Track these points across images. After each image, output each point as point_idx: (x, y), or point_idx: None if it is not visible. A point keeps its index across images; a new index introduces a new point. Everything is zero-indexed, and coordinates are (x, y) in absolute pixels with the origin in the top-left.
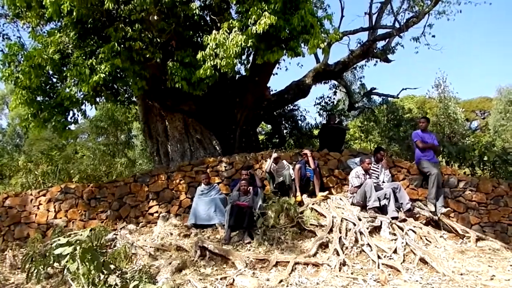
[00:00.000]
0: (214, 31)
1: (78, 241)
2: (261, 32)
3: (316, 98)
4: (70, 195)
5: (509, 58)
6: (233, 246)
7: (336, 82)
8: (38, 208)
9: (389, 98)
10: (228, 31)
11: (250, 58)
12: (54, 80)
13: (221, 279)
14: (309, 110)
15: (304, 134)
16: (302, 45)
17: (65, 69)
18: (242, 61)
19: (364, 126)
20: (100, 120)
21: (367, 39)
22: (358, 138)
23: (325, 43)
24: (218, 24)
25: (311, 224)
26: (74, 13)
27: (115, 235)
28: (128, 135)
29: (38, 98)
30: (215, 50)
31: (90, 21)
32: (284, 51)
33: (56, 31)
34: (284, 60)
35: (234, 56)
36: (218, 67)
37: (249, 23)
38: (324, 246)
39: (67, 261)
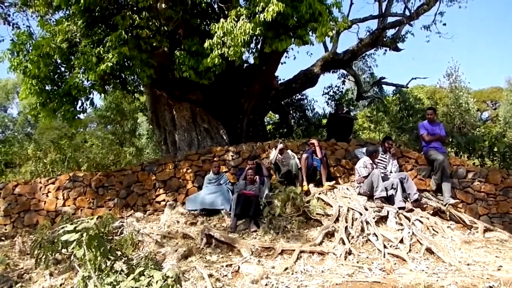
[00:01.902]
0: (221, 19)
1: (84, 228)
2: (269, 20)
3: (325, 87)
4: (78, 183)
5: None
6: (239, 235)
7: (345, 71)
8: (47, 195)
9: (401, 88)
10: (236, 19)
11: (258, 47)
12: (62, 69)
13: (226, 266)
14: (317, 100)
15: (312, 123)
16: (310, 33)
17: (73, 58)
18: (251, 50)
19: (373, 116)
20: (106, 110)
21: (376, 27)
22: (367, 128)
23: (334, 31)
24: (226, 12)
25: (317, 214)
26: (82, 1)
27: (122, 223)
28: (134, 124)
29: (47, 87)
30: (223, 39)
31: (98, 9)
32: (292, 39)
33: (64, 20)
34: (292, 49)
35: (242, 45)
36: (226, 55)
37: (256, 10)
38: (330, 235)
39: (73, 248)
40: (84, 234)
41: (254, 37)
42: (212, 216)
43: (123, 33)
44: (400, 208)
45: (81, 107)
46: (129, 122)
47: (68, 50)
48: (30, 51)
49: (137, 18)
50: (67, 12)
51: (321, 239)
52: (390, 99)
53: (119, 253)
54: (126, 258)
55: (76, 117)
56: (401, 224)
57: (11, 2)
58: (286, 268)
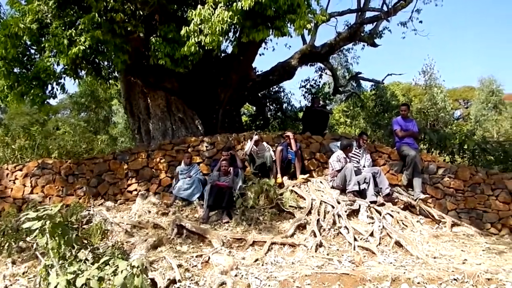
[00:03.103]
0: (199, 6)
1: (47, 216)
2: (247, 8)
3: (302, 80)
4: (47, 171)
5: (492, 49)
6: (211, 226)
7: (322, 65)
8: (14, 182)
9: (380, 84)
10: (214, 7)
11: (237, 36)
12: (32, 51)
13: (196, 256)
14: (294, 93)
15: (288, 116)
16: (289, 25)
17: (43, 39)
18: (229, 39)
19: (350, 111)
20: (80, 96)
21: (354, 22)
22: (343, 123)
23: (312, 24)
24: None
25: (290, 206)
26: None
27: (91, 212)
28: (109, 112)
29: (15, 70)
30: (200, 26)
31: None
32: (270, 30)
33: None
34: (271, 40)
35: (220, 33)
36: (203, 44)
37: None
38: (302, 227)
39: (36, 236)
40: (47, 222)
41: (232, 26)
42: (188, 204)
43: (97, 15)
44: (371, 202)
45: (51, 92)
46: (104, 109)
47: (39, 31)
48: None
49: (112, 1)
50: None
51: (292, 231)
52: (367, 94)
53: (84, 242)
54: (92, 247)
55: (46, 102)
56: (372, 218)
57: None
58: (257, 259)
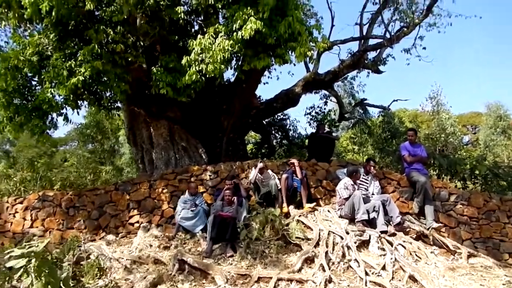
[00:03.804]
0: (199, 36)
1: (32, 253)
2: (247, 37)
3: (307, 108)
4: (48, 203)
5: (498, 74)
6: (215, 260)
7: (327, 92)
8: (14, 216)
9: (387, 110)
10: (214, 36)
11: (240, 64)
12: (34, 83)
13: None
14: (299, 120)
15: (294, 144)
16: (290, 52)
17: (43, 71)
18: (232, 67)
19: (357, 138)
20: (86, 127)
21: (357, 50)
22: (351, 150)
23: (314, 52)
24: (205, 29)
25: (296, 237)
26: (54, 14)
27: (89, 247)
28: (116, 143)
29: (15, 101)
30: (201, 55)
31: (71, 23)
32: (272, 58)
33: (36, 33)
34: (275, 69)
35: (221, 62)
36: (204, 72)
37: (234, 28)
38: (309, 261)
39: (21, 275)
40: (33, 260)
41: (234, 55)
42: (189, 239)
43: (97, 47)
44: (382, 232)
45: (51, 122)
46: (110, 140)
47: (39, 63)
48: None
49: (112, 32)
50: (40, 25)
51: (300, 265)
52: (374, 120)
53: (74, 282)
54: None
55: (45, 132)
56: (384, 249)
57: None
58: None
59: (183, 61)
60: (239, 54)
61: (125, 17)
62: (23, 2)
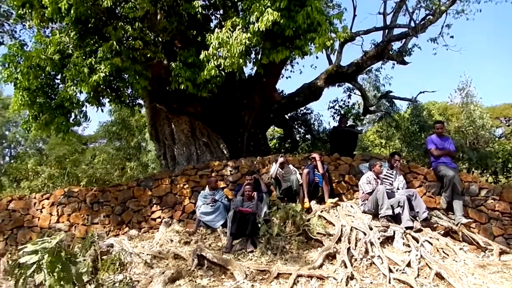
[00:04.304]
0: (216, 30)
1: (44, 249)
2: (264, 30)
3: (330, 101)
4: (73, 199)
5: None
6: (235, 255)
7: (350, 85)
8: (41, 211)
9: (414, 102)
10: (232, 30)
11: (259, 57)
12: (57, 81)
13: None
14: (322, 114)
15: (318, 138)
16: (309, 44)
17: (65, 69)
18: (251, 60)
19: (383, 131)
20: (112, 125)
21: (381, 40)
22: (379, 144)
23: (336, 42)
24: (222, 23)
25: (318, 233)
26: (73, 12)
27: (111, 242)
28: (143, 139)
29: (39, 100)
30: (219, 50)
31: (91, 21)
32: (291, 50)
33: (57, 32)
34: (297, 63)
35: (238, 56)
36: (222, 67)
37: (251, 20)
38: (331, 257)
39: (34, 271)
40: (45, 256)
41: (252, 48)
42: (210, 234)
43: (115, 43)
44: (407, 228)
45: (74, 120)
46: (136, 137)
47: (60, 62)
48: (20, 62)
49: (130, 29)
50: (61, 24)
51: (321, 261)
52: (402, 114)
53: (85, 278)
54: (96, 283)
55: (69, 130)
56: (409, 246)
57: (7, 13)
58: None
59: (201, 56)
60: (258, 47)
61: (143, 13)
62: (44, 1)
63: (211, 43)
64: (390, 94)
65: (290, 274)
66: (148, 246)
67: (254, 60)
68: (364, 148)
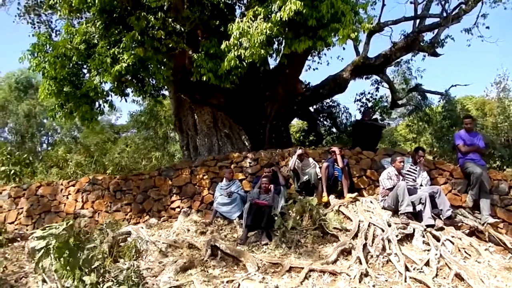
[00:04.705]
0: (237, 19)
1: (51, 235)
2: (286, 19)
3: (357, 94)
4: (97, 186)
5: None
6: (249, 247)
7: (378, 77)
8: (67, 198)
9: (447, 95)
10: (253, 19)
11: (282, 48)
12: (84, 71)
13: (227, 282)
14: (348, 107)
15: (343, 131)
16: (333, 35)
17: (90, 59)
18: (273, 50)
19: (414, 126)
20: (140, 115)
21: (411, 31)
22: (410, 139)
23: (363, 33)
24: (245, 12)
25: (334, 228)
26: (97, 1)
27: (129, 229)
28: (170, 129)
29: (65, 89)
30: (240, 40)
31: (116, 10)
32: (314, 41)
33: (84, 22)
34: (325, 54)
35: (259, 46)
36: (243, 57)
37: (273, 9)
38: (346, 252)
39: (41, 256)
40: (53, 242)
41: (274, 38)
42: (226, 225)
43: (137, 34)
44: (428, 226)
45: (98, 109)
46: (163, 127)
47: (86, 52)
48: (48, 52)
49: (153, 19)
50: (89, 14)
51: (335, 256)
52: (434, 108)
53: (94, 264)
54: (103, 270)
55: (94, 119)
56: (428, 244)
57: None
58: None
59: (222, 46)
60: (280, 37)
61: (167, 3)
62: None
63: (232, 33)
64: (420, 87)
65: (302, 268)
66: (165, 234)
67: (276, 50)
68: (393, 143)
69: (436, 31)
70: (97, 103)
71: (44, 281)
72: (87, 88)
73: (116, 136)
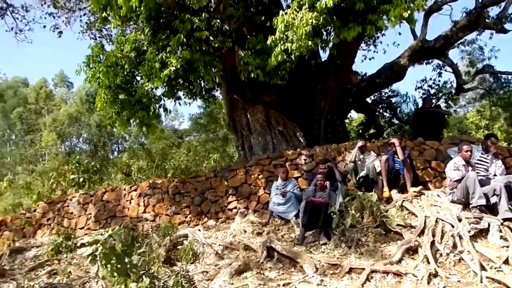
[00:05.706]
0: (281, 12)
1: (96, 241)
2: (332, 5)
3: (417, 81)
4: (157, 190)
5: None
6: (307, 247)
7: (440, 62)
8: (130, 202)
9: None
10: (298, 10)
11: (331, 38)
12: (137, 78)
13: (283, 285)
14: (409, 96)
15: (405, 122)
16: (384, 17)
17: (140, 66)
18: (322, 41)
19: (485, 111)
20: (200, 117)
21: (474, 6)
22: (483, 127)
23: (411, 13)
24: (290, 4)
25: (398, 225)
26: (143, 8)
27: (186, 232)
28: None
29: (120, 97)
30: (286, 33)
31: (163, 16)
32: (363, 26)
33: (134, 31)
34: (381, 42)
35: (306, 38)
36: (290, 51)
37: None
38: (411, 251)
39: (89, 262)
40: (99, 248)
41: (321, 28)
42: (283, 225)
43: (182, 37)
44: (505, 220)
45: (153, 114)
46: (223, 129)
47: (136, 59)
48: (102, 62)
49: (197, 21)
50: (138, 22)
51: (399, 256)
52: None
53: (144, 270)
54: (151, 275)
55: (150, 124)
56: (507, 240)
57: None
58: None
59: (268, 41)
60: (327, 27)
61: (204, 4)
62: (119, 2)
63: (278, 26)
64: (490, 68)
65: (363, 268)
66: (222, 236)
67: (325, 41)
68: (463, 131)
69: (503, 4)
70: (152, 108)
71: (102, 287)
72: (140, 95)
73: (180, 141)
